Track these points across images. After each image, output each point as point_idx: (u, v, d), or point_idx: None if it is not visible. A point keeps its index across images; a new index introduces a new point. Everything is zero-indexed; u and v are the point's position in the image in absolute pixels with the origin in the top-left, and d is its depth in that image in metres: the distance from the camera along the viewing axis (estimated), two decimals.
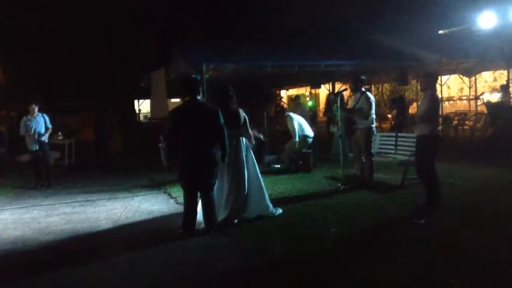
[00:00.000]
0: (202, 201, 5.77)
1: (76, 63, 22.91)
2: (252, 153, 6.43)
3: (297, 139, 9.97)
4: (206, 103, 5.71)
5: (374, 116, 7.97)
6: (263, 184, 6.43)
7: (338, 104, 8.52)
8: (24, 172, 11.03)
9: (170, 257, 5.04)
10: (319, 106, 24.71)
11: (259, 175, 6.41)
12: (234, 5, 22.65)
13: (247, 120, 6.34)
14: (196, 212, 5.76)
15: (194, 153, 5.56)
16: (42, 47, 22.07)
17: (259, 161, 9.97)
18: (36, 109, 9.64)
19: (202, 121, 5.55)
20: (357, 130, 7.99)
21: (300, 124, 10.12)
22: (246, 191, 6.16)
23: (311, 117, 12.88)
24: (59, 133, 13.27)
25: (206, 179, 5.67)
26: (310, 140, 10.22)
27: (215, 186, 5.89)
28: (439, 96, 7.84)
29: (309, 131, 10.23)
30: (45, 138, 9.60)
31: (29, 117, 9.62)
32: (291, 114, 10.26)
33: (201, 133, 5.54)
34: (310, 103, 18.99)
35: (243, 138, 6.29)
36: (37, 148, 9.56)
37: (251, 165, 6.31)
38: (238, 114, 6.20)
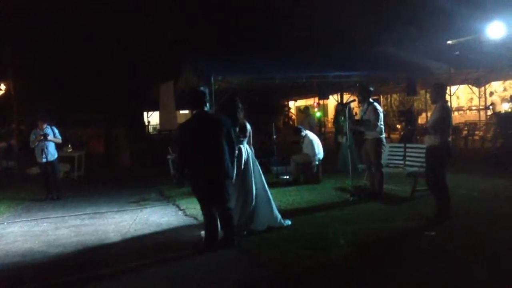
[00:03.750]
0: (219, 214, 5.66)
1: (86, 75, 23.12)
2: (258, 165, 6.43)
3: (317, 162, 9.88)
4: (216, 114, 5.69)
5: (383, 126, 7.94)
6: (270, 195, 6.40)
7: (346, 115, 8.50)
8: (34, 185, 11.12)
9: (178, 269, 5.02)
10: (327, 116, 24.70)
11: (266, 186, 6.40)
12: (243, 18, 22.80)
13: (251, 134, 6.39)
14: (216, 225, 5.67)
15: (204, 165, 5.51)
16: (53, 60, 22.31)
17: (267, 172, 9.95)
18: (45, 125, 9.69)
19: (212, 132, 5.51)
20: (366, 141, 7.96)
21: (318, 146, 10.06)
22: (253, 202, 6.14)
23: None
24: (69, 145, 13.36)
25: (217, 192, 5.57)
26: (319, 161, 10.12)
27: None
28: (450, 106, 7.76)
29: (321, 153, 10.16)
30: (49, 134, 9.60)
31: (38, 130, 9.68)
32: (309, 135, 10.16)
33: (211, 144, 5.48)
34: (318, 114, 19.00)
35: (249, 150, 6.29)
36: (46, 159, 9.59)
37: (257, 176, 6.30)
38: (245, 126, 6.24)
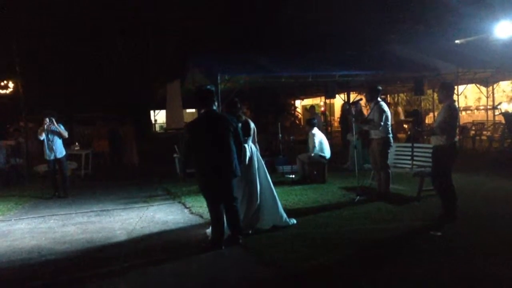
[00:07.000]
0: (226, 212, 5.69)
1: (94, 74, 23.25)
2: (263, 163, 6.43)
3: (312, 154, 9.87)
4: (223, 113, 5.72)
5: (389, 126, 7.89)
6: (275, 194, 6.41)
7: (353, 114, 8.49)
8: (41, 182, 11.19)
9: (184, 267, 5.04)
10: (334, 116, 24.65)
11: (271, 185, 6.41)
12: (250, 16, 22.78)
13: (255, 131, 6.42)
14: (223, 223, 5.67)
15: (212, 164, 5.53)
16: (61, 58, 22.44)
17: (272, 171, 9.94)
18: (54, 120, 9.73)
19: (221, 131, 5.54)
20: (372, 140, 7.93)
21: (321, 143, 10.02)
22: (258, 201, 6.15)
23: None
24: (76, 144, 13.44)
25: (225, 190, 5.61)
26: (325, 161, 10.08)
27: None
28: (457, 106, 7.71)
29: (327, 152, 10.12)
30: (55, 128, 9.63)
31: (45, 127, 9.72)
32: (315, 131, 10.12)
33: (220, 143, 5.51)
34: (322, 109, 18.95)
35: (254, 148, 6.31)
36: (55, 156, 9.63)
37: (262, 175, 6.31)
38: (249, 124, 6.27)
